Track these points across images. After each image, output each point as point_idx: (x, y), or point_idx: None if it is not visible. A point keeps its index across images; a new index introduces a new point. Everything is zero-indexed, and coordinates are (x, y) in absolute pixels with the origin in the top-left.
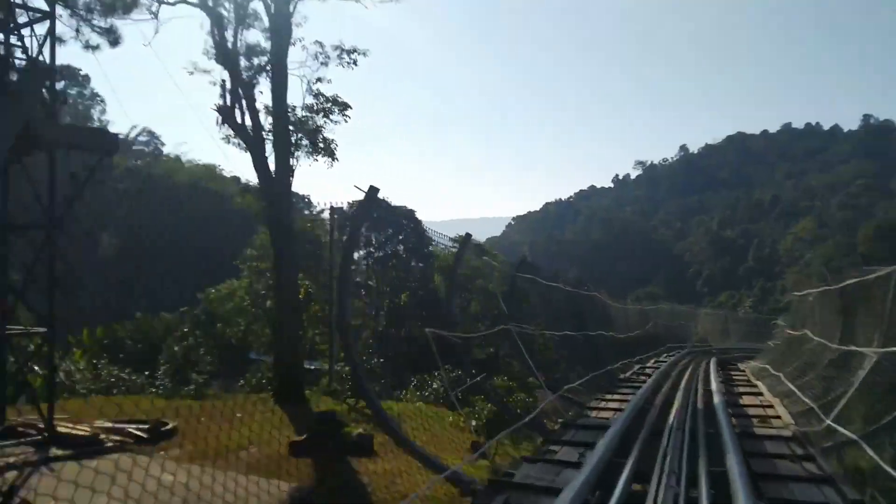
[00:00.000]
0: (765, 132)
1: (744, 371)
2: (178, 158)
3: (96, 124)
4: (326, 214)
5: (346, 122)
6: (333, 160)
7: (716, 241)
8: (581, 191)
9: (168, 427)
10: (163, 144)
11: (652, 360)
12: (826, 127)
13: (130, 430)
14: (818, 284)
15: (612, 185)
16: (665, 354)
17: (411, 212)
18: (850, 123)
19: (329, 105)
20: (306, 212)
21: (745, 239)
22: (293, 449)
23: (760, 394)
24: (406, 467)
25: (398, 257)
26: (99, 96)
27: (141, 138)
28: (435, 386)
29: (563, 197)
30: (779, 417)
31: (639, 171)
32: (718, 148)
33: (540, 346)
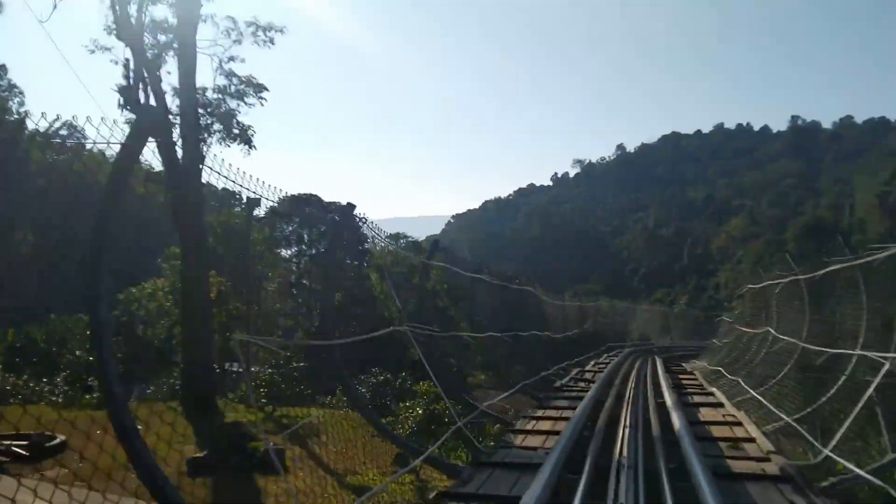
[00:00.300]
0: (698, 132)
1: (692, 374)
2: (101, 153)
3: (14, 117)
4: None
5: (262, 105)
6: (250, 148)
7: (652, 238)
8: (521, 188)
9: (55, 442)
10: (85, 138)
11: (592, 363)
12: (756, 127)
13: (6, 445)
14: (781, 275)
15: (551, 184)
16: (606, 355)
17: (348, 207)
18: (780, 124)
19: (243, 86)
20: (238, 209)
21: (679, 237)
22: (191, 467)
23: (720, 405)
24: (320, 486)
25: (331, 255)
26: (17, 87)
27: (62, 132)
28: (363, 390)
29: (503, 195)
30: (752, 440)
31: (577, 170)
32: (654, 147)
33: (474, 349)
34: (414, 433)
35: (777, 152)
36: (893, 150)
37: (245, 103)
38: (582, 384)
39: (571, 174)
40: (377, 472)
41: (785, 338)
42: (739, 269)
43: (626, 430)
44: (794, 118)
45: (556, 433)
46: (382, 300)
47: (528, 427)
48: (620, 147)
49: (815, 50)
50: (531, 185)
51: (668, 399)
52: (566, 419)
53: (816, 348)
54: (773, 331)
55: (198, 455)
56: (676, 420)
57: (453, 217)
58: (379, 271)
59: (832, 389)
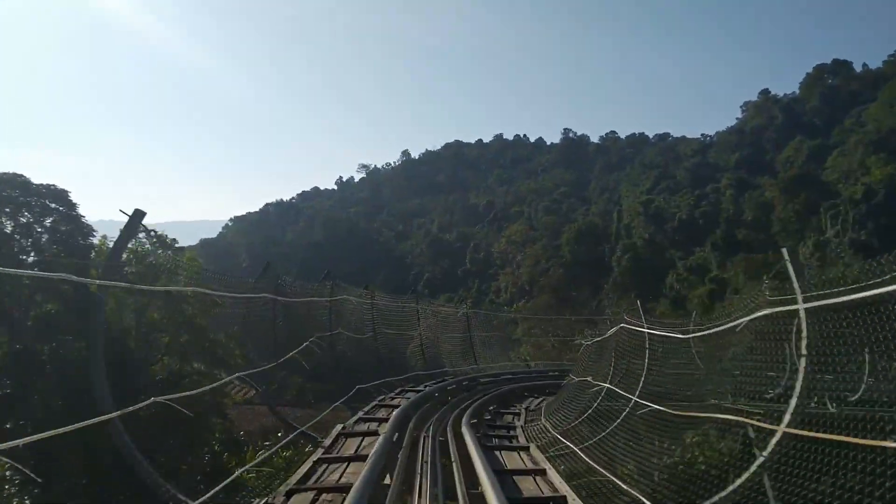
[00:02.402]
0: (479, 141)
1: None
2: None
3: None
4: None
5: None
6: None
7: (435, 243)
8: (304, 192)
9: None
10: None
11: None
12: (532, 139)
13: None
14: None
15: (335, 188)
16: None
17: (62, 192)
18: (553, 136)
19: None
20: None
21: (462, 242)
22: None
23: None
24: None
25: (40, 250)
26: None
27: None
28: None
29: (286, 198)
30: None
31: (363, 174)
32: (437, 154)
33: None
34: None
35: (550, 162)
36: (651, 163)
37: None
38: None
39: (357, 178)
40: None
41: None
42: (519, 273)
43: None
44: (566, 131)
45: None
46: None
47: None
48: (405, 153)
49: (583, 69)
50: (315, 189)
51: None
52: None
53: None
54: None
55: None
56: None
57: (231, 220)
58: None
59: None
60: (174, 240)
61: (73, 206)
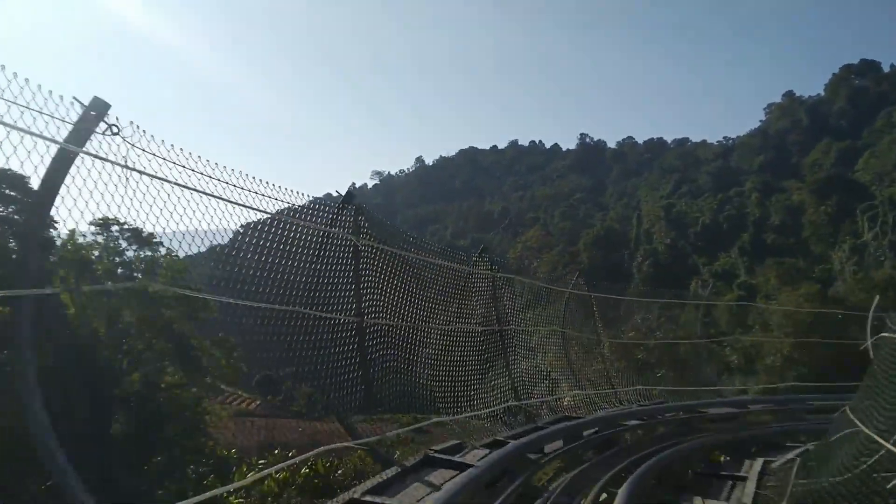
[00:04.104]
0: (494, 147)
1: None
2: None
3: None
4: None
5: None
6: None
7: (450, 249)
8: (315, 198)
9: None
10: None
11: None
12: (548, 145)
13: None
14: None
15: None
16: None
17: (20, 179)
18: (569, 142)
19: None
20: None
21: (477, 248)
22: None
23: None
24: None
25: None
26: None
27: None
28: None
29: (298, 205)
30: None
31: (376, 181)
32: (452, 160)
33: None
34: None
35: (566, 168)
36: (671, 167)
37: None
38: None
39: (370, 185)
40: None
41: None
42: (537, 277)
43: None
44: (583, 136)
45: None
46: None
47: None
48: (419, 160)
49: (598, 75)
50: (328, 196)
51: None
52: None
53: None
54: None
55: None
56: None
57: (241, 227)
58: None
59: None
60: (152, 234)
61: (33, 193)
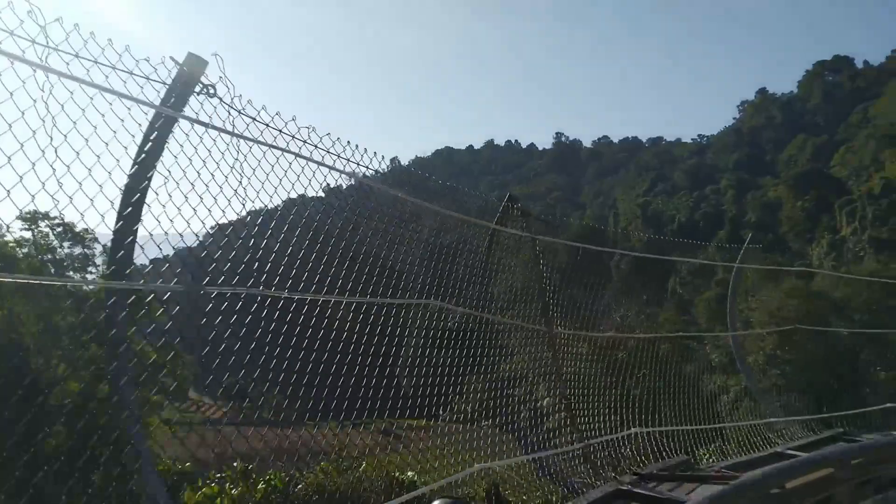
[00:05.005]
0: (470, 147)
1: None
2: None
3: None
4: None
5: None
6: None
7: (429, 248)
8: (290, 199)
9: None
10: None
11: None
12: (524, 144)
13: None
14: None
15: (322, 195)
16: None
17: None
18: (545, 141)
19: None
20: None
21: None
22: None
23: None
24: None
25: None
26: None
27: None
28: None
29: (270, 206)
30: None
31: (351, 181)
32: (427, 161)
33: None
34: None
35: (543, 167)
36: (646, 165)
37: None
38: None
39: (345, 186)
40: None
41: None
42: (514, 277)
43: None
44: (559, 135)
45: None
46: None
47: None
48: (395, 160)
49: (576, 74)
50: (302, 197)
51: None
52: None
53: None
54: None
55: None
56: None
57: (212, 229)
58: None
59: None
60: (87, 230)
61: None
